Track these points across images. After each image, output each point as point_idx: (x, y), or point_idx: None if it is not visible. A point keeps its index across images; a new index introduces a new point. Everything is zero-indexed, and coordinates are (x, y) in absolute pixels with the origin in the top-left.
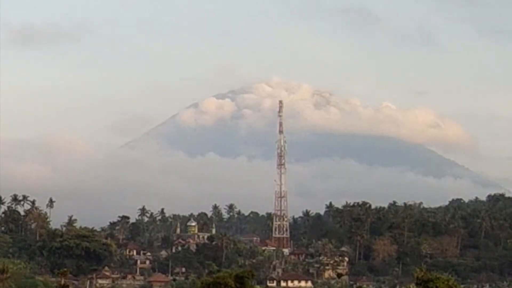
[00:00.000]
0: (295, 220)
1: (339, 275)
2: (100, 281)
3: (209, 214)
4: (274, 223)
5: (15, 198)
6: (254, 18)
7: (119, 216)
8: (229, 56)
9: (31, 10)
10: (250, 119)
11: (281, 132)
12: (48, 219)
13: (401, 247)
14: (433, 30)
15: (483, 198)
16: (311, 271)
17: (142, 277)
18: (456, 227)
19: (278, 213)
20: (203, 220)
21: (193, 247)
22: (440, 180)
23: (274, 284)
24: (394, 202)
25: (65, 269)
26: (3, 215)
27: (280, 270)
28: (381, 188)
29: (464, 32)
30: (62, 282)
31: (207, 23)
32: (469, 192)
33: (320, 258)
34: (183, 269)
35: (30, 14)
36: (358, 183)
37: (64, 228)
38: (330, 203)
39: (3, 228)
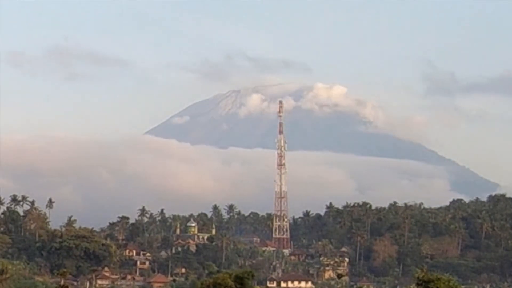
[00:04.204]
0: (295, 220)
1: (339, 276)
2: (99, 281)
3: (209, 214)
4: (274, 223)
5: (14, 199)
6: None
7: (118, 217)
8: None
9: None
10: None
11: (281, 132)
12: (47, 220)
13: (402, 247)
14: None
15: (484, 198)
16: (311, 271)
17: (141, 278)
18: (457, 228)
19: (278, 213)
20: (203, 221)
21: (193, 248)
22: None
23: (274, 284)
24: (395, 203)
25: (65, 270)
26: (2, 216)
27: (280, 271)
28: None
29: None
30: (62, 282)
31: None
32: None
33: (320, 258)
34: (183, 270)
35: None
36: None
37: (63, 229)
38: (330, 203)
39: (2, 229)
